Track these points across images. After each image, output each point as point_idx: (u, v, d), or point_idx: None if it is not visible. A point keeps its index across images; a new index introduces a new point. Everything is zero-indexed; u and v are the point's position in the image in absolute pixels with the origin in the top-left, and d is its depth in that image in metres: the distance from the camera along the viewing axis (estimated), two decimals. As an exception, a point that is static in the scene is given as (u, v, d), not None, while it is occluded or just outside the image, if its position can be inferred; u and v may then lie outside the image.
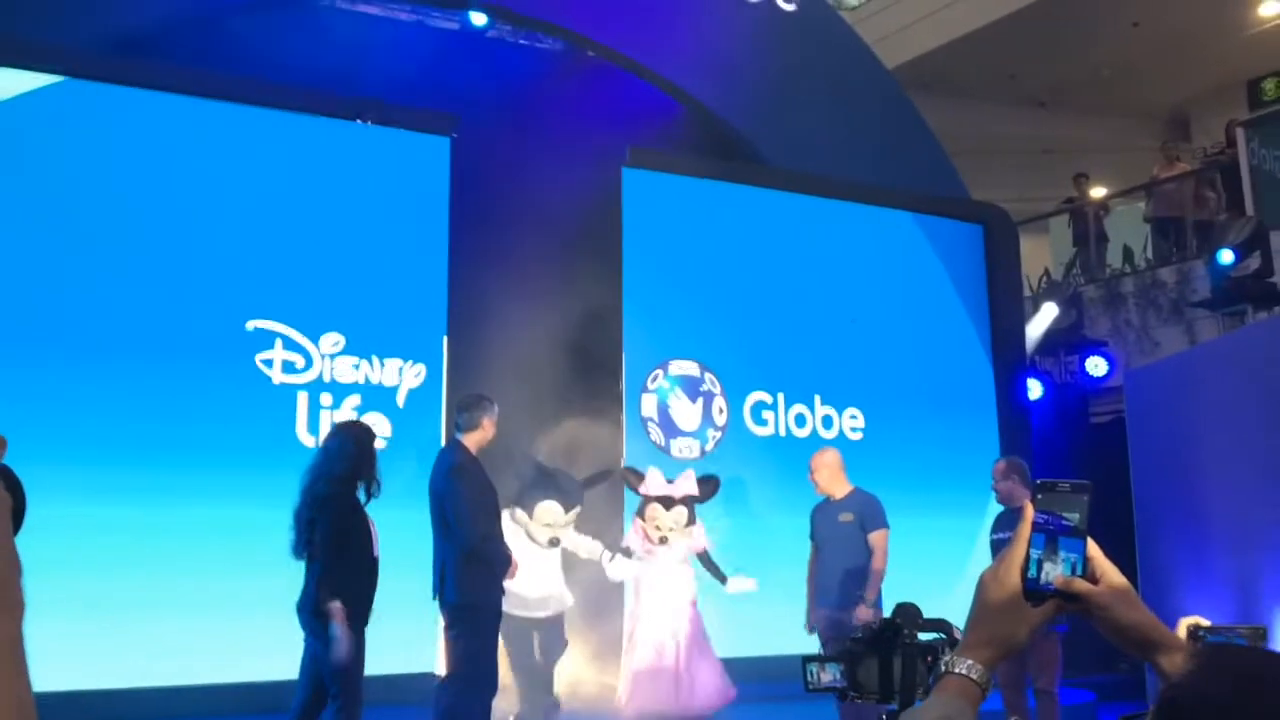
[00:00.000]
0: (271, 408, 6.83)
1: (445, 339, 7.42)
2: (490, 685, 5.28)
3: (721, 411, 8.20)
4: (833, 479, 6.10)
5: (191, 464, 6.36)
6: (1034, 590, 1.13)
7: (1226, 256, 8.29)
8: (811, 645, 6.04)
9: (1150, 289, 11.28)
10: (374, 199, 7.41)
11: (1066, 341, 10.20)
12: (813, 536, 6.16)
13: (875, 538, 5.93)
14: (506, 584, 5.40)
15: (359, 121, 7.48)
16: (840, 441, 8.35)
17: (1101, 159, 14.57)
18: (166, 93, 6.96)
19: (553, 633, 6.40)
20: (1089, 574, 1.14)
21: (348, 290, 7.18)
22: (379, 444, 5.10)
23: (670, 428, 7.94)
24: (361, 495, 4.84)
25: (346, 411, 6.99)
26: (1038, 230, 14.15)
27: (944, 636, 2.07)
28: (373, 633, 4.81)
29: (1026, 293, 12.02)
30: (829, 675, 2.07)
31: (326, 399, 7.04)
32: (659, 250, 8.19)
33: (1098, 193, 13.56)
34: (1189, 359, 8.05)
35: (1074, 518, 1.16)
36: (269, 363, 6.89)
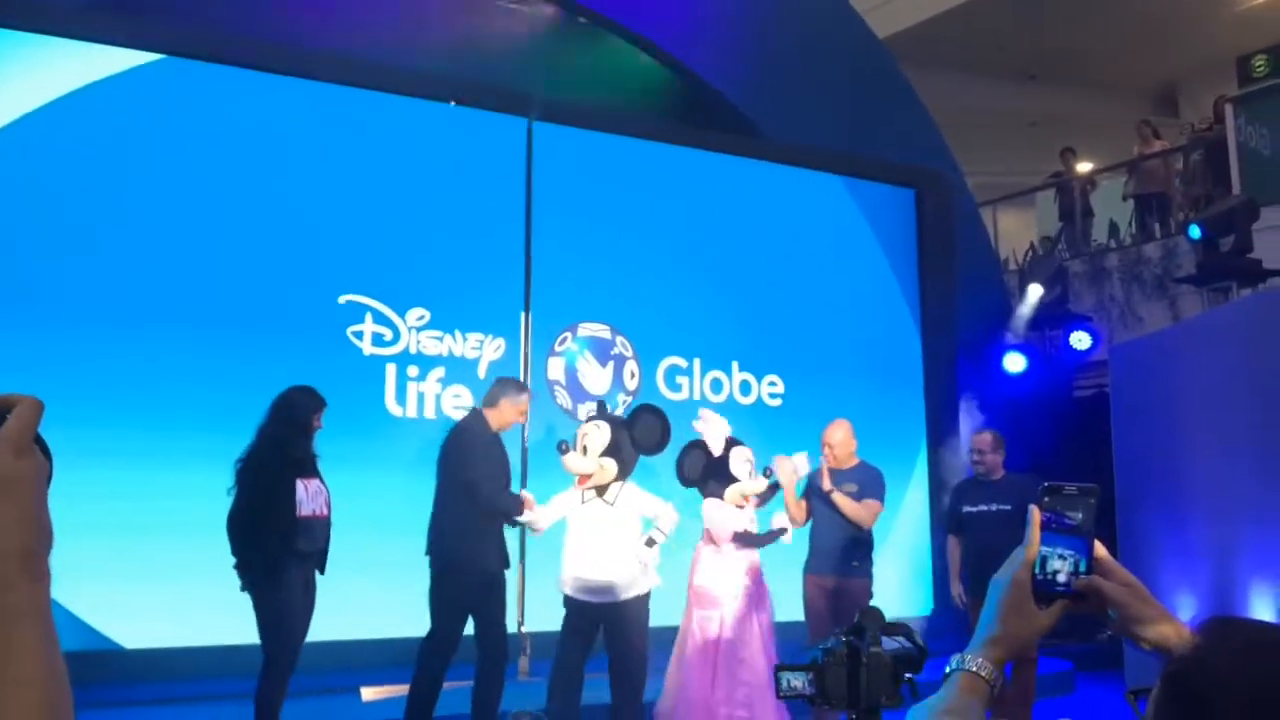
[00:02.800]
0: (362, 378, 7.12)
1: (523, 314, 7.66)
2: (441, 647, 5.17)
3: (633, 376, 8.11)
4: (853, 453, 6.04)
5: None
6: (1043, 591, 1.17)
7: (1195, 231, 8.33)
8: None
9: (1135, 264, 11.34)
10: (456, 178, 7.63)
11: (1050, 316, 10.24)
12: (809, 503, 6.11)
13: (870, 504, 5.87)
14: (577, 566, 5.29)
15: (448, 103, 7.69)
16: (758, 408, 8.31)
17: (1089, 133, 14.59)
18: (260, 71, 7.15)
19: (617, 623, 5.32)
20: (1096, 573, 1.18)
21: (432, 266, 7.45)
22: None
23: (578, 392, 7.81)
24: (299, 454, 4.88)
25: (432, 383, 7.28)
26: (1024, 204, 14.17)
27: (908, 643, 2.13)
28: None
29: (1012, 267, 12.07)
30: (799, 683, 2.13)
31: (413, 370, 7.33)
32: (571, 209, 8.06)
33: (1084, 167, 13.58)
34: (1173, 334, 8.08)
35: (1078, 518, 1.19)
36: (359, 335, 7.20)
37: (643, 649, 5.37)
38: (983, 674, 1.14)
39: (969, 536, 6.09)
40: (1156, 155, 12.31)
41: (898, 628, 2.02)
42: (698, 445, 5.82)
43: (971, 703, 1.13)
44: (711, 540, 5.69)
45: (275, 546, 4.73)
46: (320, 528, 4.89)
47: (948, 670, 1.16)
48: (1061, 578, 1.17)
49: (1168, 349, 7.47)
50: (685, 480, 5.85)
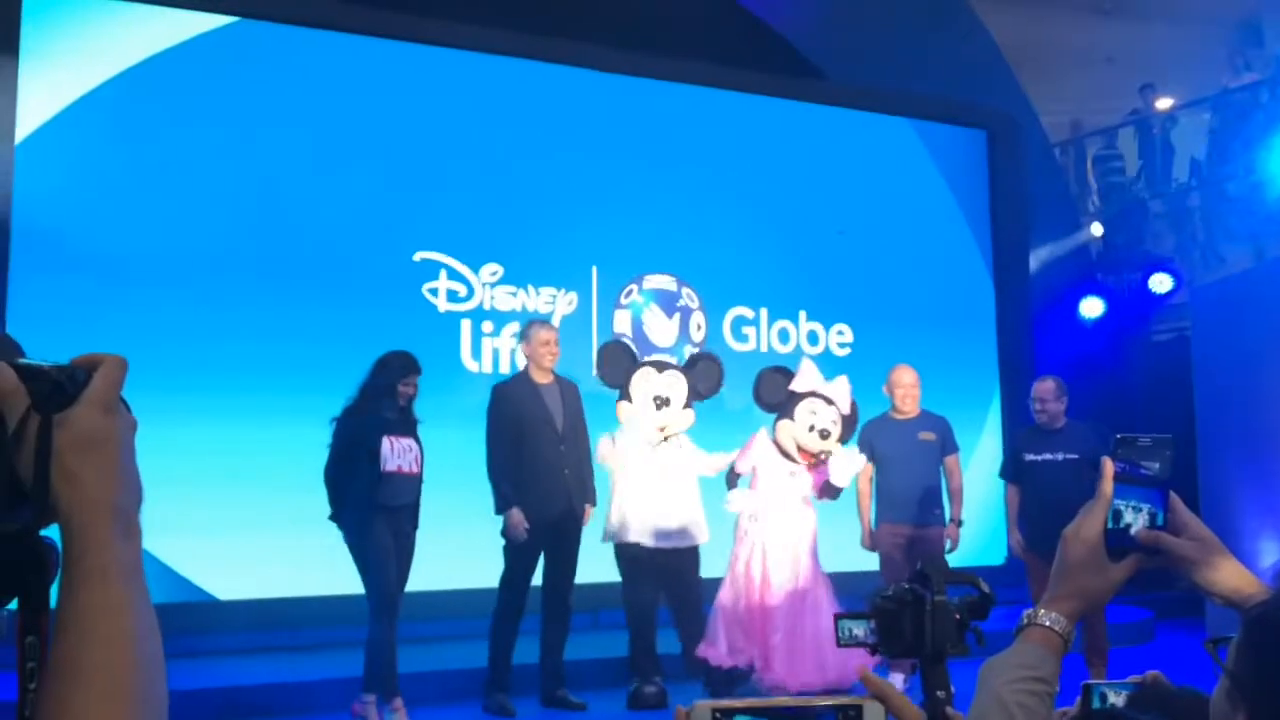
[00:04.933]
0: (438, 334, 7.24)
1: (594, 268, 7.67)
2: (507, 604, 5.34)
3: (700, 328, 8.06)
4: (918, 399, 6.08)
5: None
6: (1116, 544, 1.14)
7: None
8: (870, 561, 6.05)
9: (1217, 203, 10.96)
10: (524, 133, 7.68)
11: (1128, 258, 9.97)
12: (872, 453, 6.07)
13: (954, 460, 6.13)
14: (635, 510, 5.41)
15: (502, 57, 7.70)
16: (825, 358, 8.16)
17: (1168, 68, 14.07)
18: (330, 31, 7.21)
19: (681, 572, 5.47)
20: (1171, 526, 1.15)
21: (504, 222, 7.51)
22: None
23: (645, 344, 7.64)
24: (389, 414, 4.99)
25: (506, 339, 7.34)
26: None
27: (974, 590, 2.10)
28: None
29: (1090, 209, 11.76)
30: (860, 631, 2.11)
31: (488, 326, 7.44)
32: (635, 158, 7.98)
33: (1164, 103, 13.10)
34: (1256, 275, 7.85)
35: (1154, 468, 1.16)
36: (434, 291, 7.32)
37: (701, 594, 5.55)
38: (1055, 628, 1.14)
39: (1029, 485, 5.98)
40: (1244, 89, 11.84)
41: (964, 576, 2.00)
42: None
43: (1045, 656, 1.12)
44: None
45: (359, 499, 4.92)
46: (406, 483, 5.02)
47: (1019, 625, 1.15)
48: (1135, 531, 1.14)
49: (1252, 290, 7.26)
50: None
